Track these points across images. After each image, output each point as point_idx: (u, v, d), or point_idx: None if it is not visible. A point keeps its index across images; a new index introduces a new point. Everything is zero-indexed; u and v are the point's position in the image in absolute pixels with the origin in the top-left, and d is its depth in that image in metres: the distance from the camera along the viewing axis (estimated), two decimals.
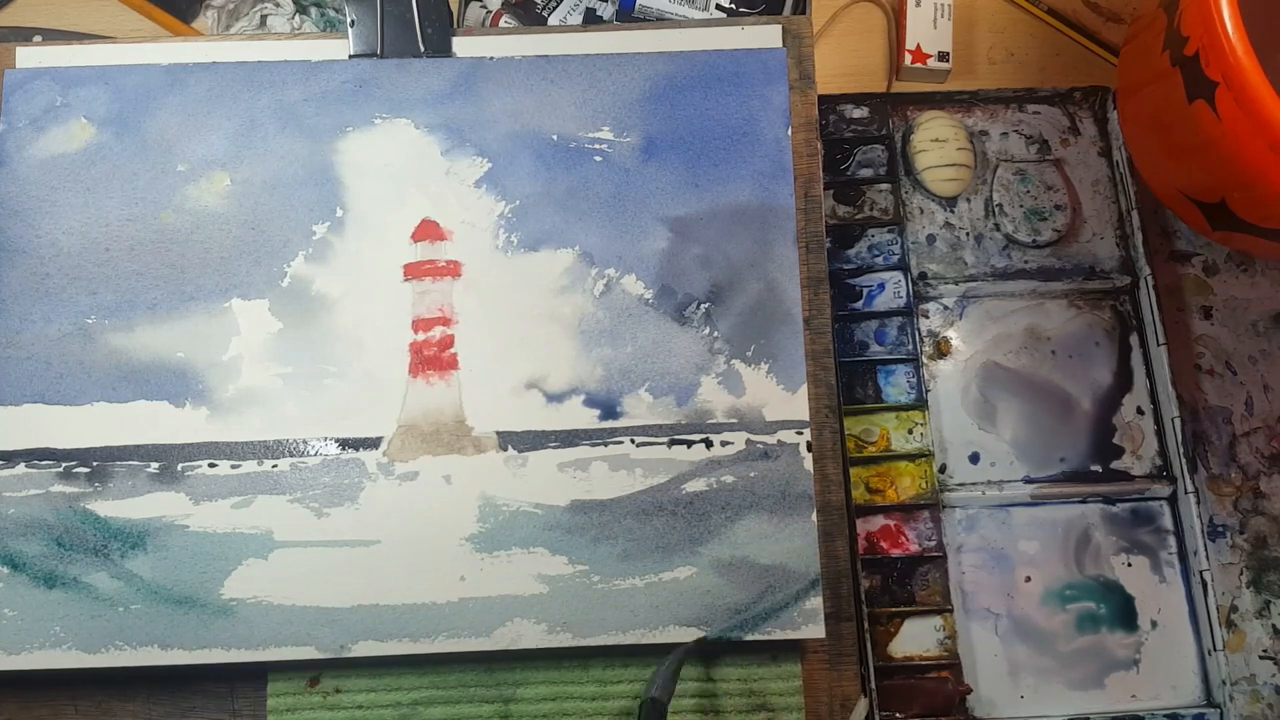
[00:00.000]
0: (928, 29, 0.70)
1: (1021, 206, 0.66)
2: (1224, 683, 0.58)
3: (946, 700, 0.57)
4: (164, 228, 0.59)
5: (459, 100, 0.61)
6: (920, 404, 0.62)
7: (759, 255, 0.59)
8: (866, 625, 0.58)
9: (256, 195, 0.59)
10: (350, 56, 0.62)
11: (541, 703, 0.55)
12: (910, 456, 0.61)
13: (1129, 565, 0.61)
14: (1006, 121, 0.68)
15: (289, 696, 0.55)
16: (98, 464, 0.56)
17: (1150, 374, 0.64)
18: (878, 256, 0.64)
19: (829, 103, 0.67)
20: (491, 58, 0.61)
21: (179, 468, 0.56)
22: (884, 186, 0.66)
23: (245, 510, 0.55)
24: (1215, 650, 0.59)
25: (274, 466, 0.56)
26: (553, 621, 0.54)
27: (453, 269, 0.59)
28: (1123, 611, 0.60)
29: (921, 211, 0.66)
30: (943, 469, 0.62)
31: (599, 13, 0.69)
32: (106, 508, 0.55)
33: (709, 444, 0.57)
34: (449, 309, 0.58)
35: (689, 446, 0.57)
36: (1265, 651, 0.60)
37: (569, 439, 0.57)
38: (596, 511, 0.56)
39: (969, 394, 0.64)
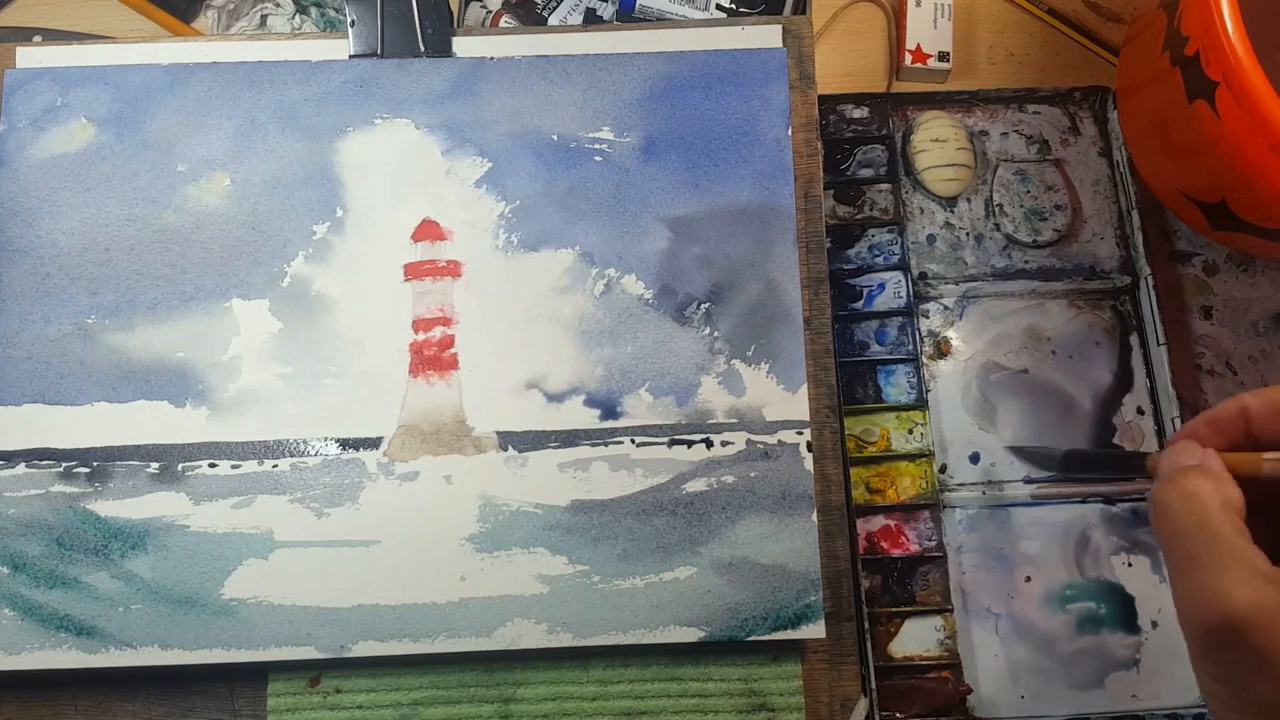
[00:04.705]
0: (928, 29, 0.70)
1: (1021, 206, 0.66)
2: None
3: (947, 700, 0.57)
4: (164, 228, 0.59)
5: (459, 100, 0.61)
6: (920, 404, 0.62)
7: (759, 255, 0.59)
8: (866, 625, 0.58)
9: (256, 195, 0.59)
10: (350, 56, 0.62)
11: (541, 703, 0.55)
12: (910, 456, 0.61)
13: (1129, 565, 0.61)
14: (1006, 121, 0.68)
15: (289, 696, 0.55)
16: (98, 464, 0.56)
17: (1150, 374, 0.64)
18: (878, 256, 0.64)
19: (829, 103, 0.67)
20: (491, 58, 0.61)
21: (179, 468, 0.56)
22: (884, 186, 0.66)
23: (245, 510, 0.55)
24: None
25: (274, 466, 0.56)
26: (553, 621, 0.54)
27: (453, 269, 0.59)
28: (1123, 612, 0.60)
29: (921, 211, 0.66)
30: (943, 469, 0.62)
31: (599, 13, 0.69)
32: (106, 508, 0.55)
33: (709, 444, 0.57)
34: (449, 309, 0.58)
35: (689, 446, 0.57)
36: None
37: (569, 439, 0.57)
38: (596, 511, 0.56)
39: (969, 394, 0.64)
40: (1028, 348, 0.65)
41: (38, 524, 0.55)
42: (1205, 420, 0.39)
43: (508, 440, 0.57)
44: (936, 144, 0.66)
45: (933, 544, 0.60)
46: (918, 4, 0.70)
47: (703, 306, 0.58)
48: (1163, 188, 0.65)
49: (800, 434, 0.57)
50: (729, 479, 0.56)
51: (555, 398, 0.57)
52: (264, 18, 0.69)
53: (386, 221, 0.59)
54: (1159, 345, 0.63)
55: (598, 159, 0.60)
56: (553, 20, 0.69)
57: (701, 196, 0.59)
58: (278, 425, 0.57)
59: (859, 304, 0.64)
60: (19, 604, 0.54)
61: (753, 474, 0.56)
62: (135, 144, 0.60)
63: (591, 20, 0.69)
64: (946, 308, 0.65)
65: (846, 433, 0.60)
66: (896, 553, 0.60)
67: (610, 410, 0.57)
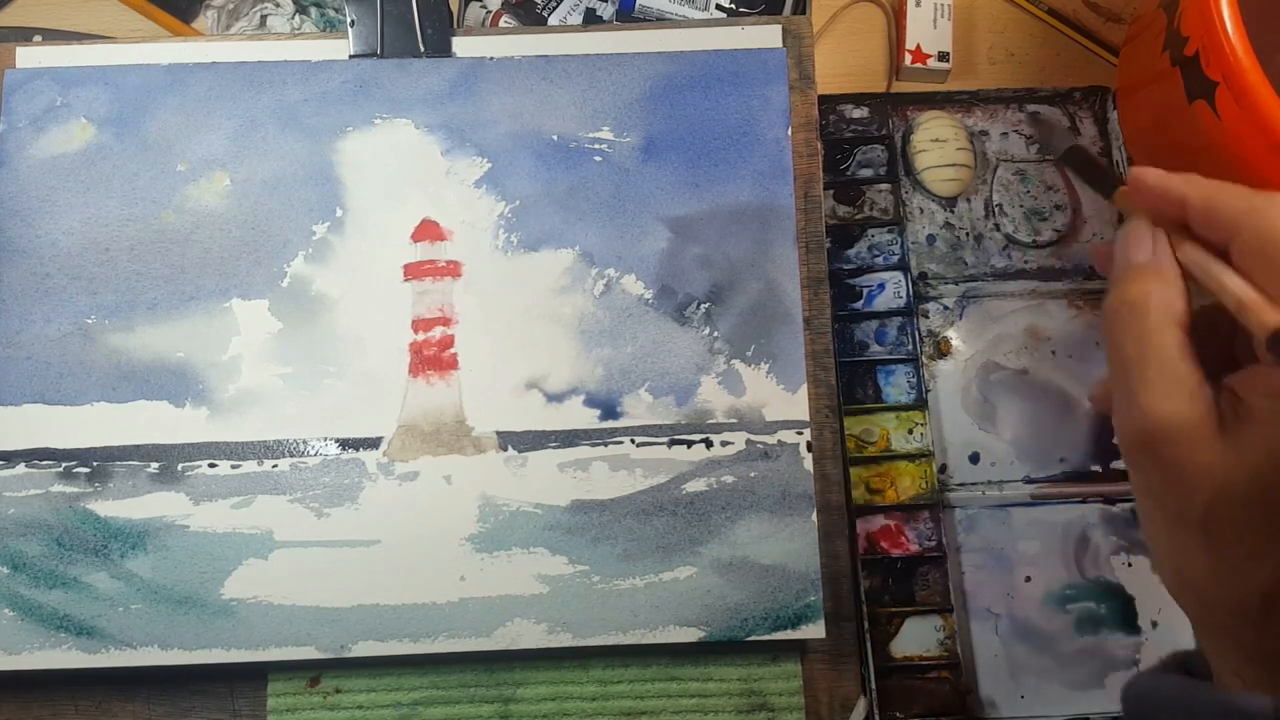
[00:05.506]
0: (928, 29, 0.70)
1: (1021, 206, 0.66)
2: None
3: (947, 700, 0.57)
4: (164, 228, 0.59)
5: (459, 100, 0.61)
6: (920, 404, 0.62)
7: (759, 255, 0.59)
8: (866, 625, 0.58)
9: (256, 195, 0.59)
10: (350, 56, 0.62)
11: (542, 703, 0.55)
12: (910, 456, 0.61)
13: (1129, 565, 0.61)
14: (1006, 121, 0.68)
15: (289, 696, 0.55)
16: (98, 464, 0.56)
17: None
18: (878, 256, 0.64)
19: (829, 103, 0.67)
20: (491, 58, 0.61)
21: (179, 468, 0.56)
22: (884, 186, 0.66)
23: (245, 510, 0.55)
24: None
25: (274, 466, 0.56)
26: (553, 621, 0.54)
27: (453, 269, 0.59)
28: (1123, 612, 0.60)
29: (921, 211, 0.66)
30: (943, 469, 0.62)
31: (599, 13, 0.69)
32: (106, 508, 0.55)
33: (709, 444, 0.57)
34: (449, 309, 0.58)
35: (689, 446, 0.57)
36: None
37: (569, 439, 0.57)
38: (596, 511, 0.56)
39: (969, 394, 0.64)
40: (1028, 348, 0.65)
41: (38, 524, 0.55)
42: (1158, 181, 0.37)
43: (508, 440, 0.57)
44: (936, 144, 0.66)
45: (933, 544, 0.60)
46: (918, 4, 0.70)
47: (703, 306, 0.58)
48: None
49: (800, 434, 0.57)
50: (729, 479, 0.56)
51: (555, 398, 0.57)
52: (264, 18, 0.69)
53: (386, 221, 0.59)
54: None
55: (598, 159, 0.60)
56: (553, 20, 0.69)
57: (701, 196, 0.59)
58: (278, 425, 0.57)
59: (859, 304, 0.64)
60: (19, 604, 0.54)
61: (753, 474, 0.56)
62: (135, 144, 0.60)
63: (591, 20, 0.69)
64: (946, 308, 0.65)
65: (846, 433, 0.60)
66: (896, 553, 0.60)
67: (610, 410, 0.57)
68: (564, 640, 0.54)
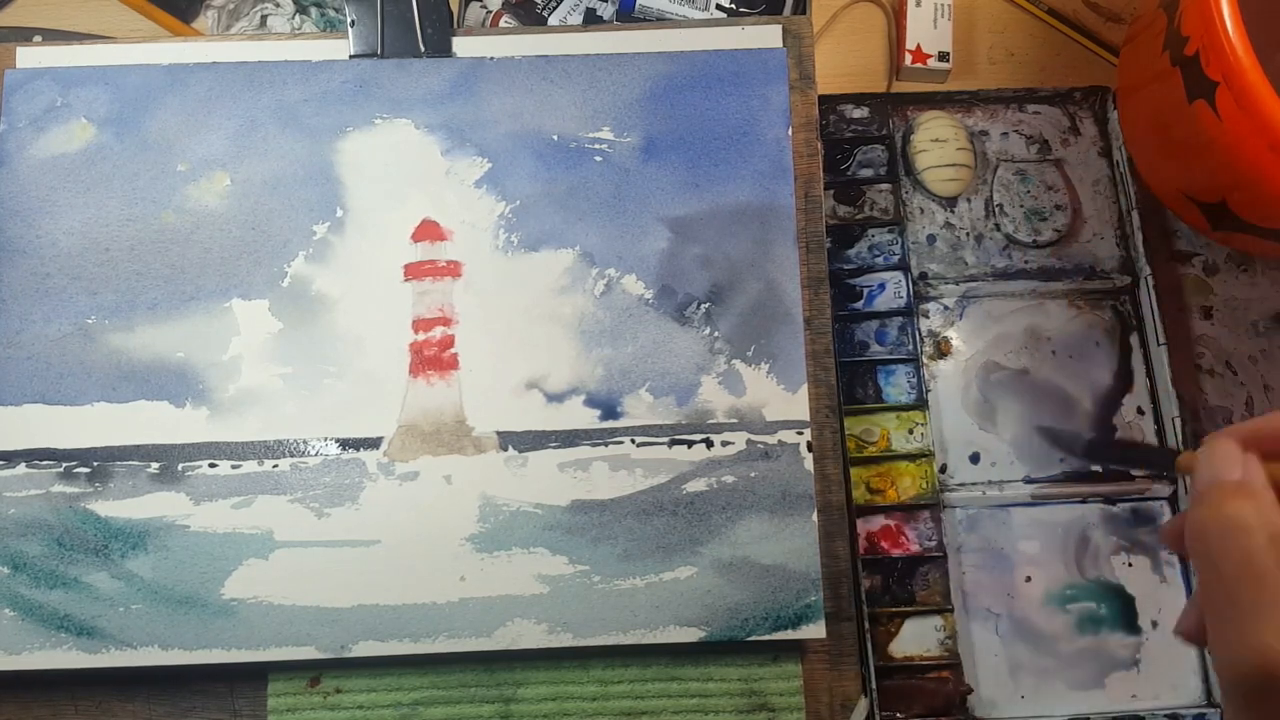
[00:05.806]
0: (928, 29, 0.70)
1: (1021, 206, 0.66)
2: None
3: (947, 700, 0.57)
4: (164, 228, 0.59)
5: (459, 100, 0.61)
6: (920, 404, 0.62)
7: (759, 255, 0.59)
8: (866, 625, 0.58)
9: (256, 195, 0.59)
10: (350, 56, 0.62)
11: (542, 703, 0.55)
12: (910, 456, 0.61)
13: (1129, 565, 0.61)
14: (1006, 121, 0.68)
15: (289, 696, 0.55)
16: (98, 464, 0.56)
17: (1150, 374, 0.64)
18: (878, 256, 0.64)
19: (829, 103, 0.67)
20: (491, 58, 0.61)
21: (179, 468, 0.56)
22: (884, 186, 0.66)
23: (245, 510, 0.55)
24: None
25: (274, 466, 0.56)
26: (553, 621, 0.54)
27: (453, 269, 0.59)
28: (1123, 612, 0.60)
29: (922, 211, 0.66)
30: (943, 469, 0.62)
31: (599, 13, 0.69)
32: (107, 508, 0.55)
33: (709, 444, 0.57)
34: (449, 309, 0.58)
35: (689, 446, 0.57)
36: None
37: (569, 439, 0.57)
38: (597, 511, 0.56)
39: (969, 394, 0.64)
40: (1028, 348, 0.65)
41: (38, 524, 0.55)
42: (1251, 429, 0.34)
43: (508, 440, 0.57)
44: (936, 144, 0.66)
45: (933, 544, 0.60)
46: (918, 4, 0.70)
47: (703, 306, 0.58)
48: (1163, 188, 0.65)
49: (800, 434, 0.57)
50: (729, 479, 0.56)
51: (555, 398, 0.57)
52: (264, 18, 0.69)
53: (386, 221, 0.59)
54: (1159, 345, 0.63)
55: (598, 159, 0.60)
56: (553, 20, 0.69)
57: (701, 196, 0.59)
58: (278, 425, 0.57)
59: (859, 304, 0.64)
60: (19, 604, 0.54)
61: (753, 474, 0.56)
62: (135, 144, 0.60)
63: (591, 20, 0.69)
64: (946, 308, 0.65)
65: (847, 433, 0.60)
66: (896, 553, 0.60)
67: (610, 410, 0.57)
68: (564, 640, 0.54)
